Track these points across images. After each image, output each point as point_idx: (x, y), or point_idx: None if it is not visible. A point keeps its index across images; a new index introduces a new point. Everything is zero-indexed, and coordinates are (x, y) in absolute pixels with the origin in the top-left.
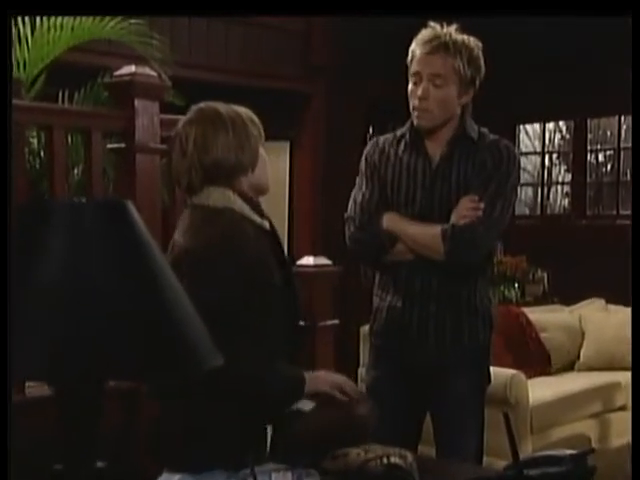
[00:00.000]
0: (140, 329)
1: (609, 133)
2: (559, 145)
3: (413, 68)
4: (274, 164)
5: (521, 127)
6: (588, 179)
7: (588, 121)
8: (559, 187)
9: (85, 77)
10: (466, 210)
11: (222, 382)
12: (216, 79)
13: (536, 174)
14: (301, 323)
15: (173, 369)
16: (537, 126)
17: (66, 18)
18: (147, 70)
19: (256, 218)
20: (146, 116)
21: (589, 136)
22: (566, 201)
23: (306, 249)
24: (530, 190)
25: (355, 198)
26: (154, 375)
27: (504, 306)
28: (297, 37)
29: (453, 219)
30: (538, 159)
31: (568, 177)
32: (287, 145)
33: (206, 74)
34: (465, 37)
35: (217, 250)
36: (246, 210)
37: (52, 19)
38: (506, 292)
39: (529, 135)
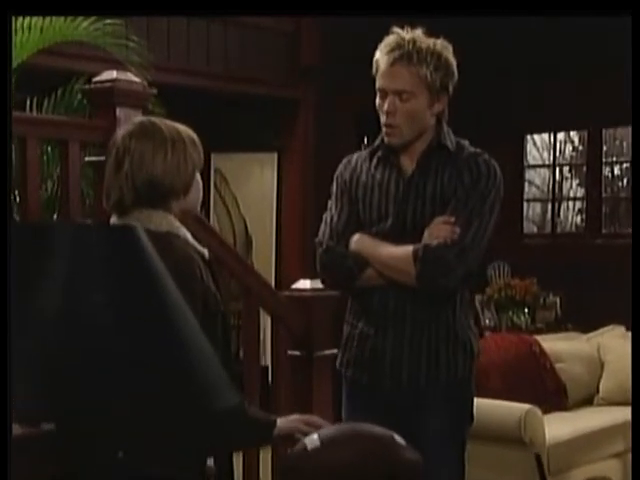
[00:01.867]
0: (150, 366)
1: (626, 144)
2: (571, 157)
3: (378, 83)
4: (260, 177)
5: (529, 137)
6: (603, 194)
7: (603, 131)
8: (571, 203)
9: (56, 82)
10: (440, 230)
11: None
12: (197, 84)
13: (545, 189)
14: (296, 353)
15: (186, 409)
16: (546, 136)
17: (35, 19)
18: (129, 76)
19: (198, 246)
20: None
21: (604, 147)
22: (579, 218)
23: (295, 270)
24: (538, 206)
25: (325, 221)
26: (165, 415)
27: (514, 334)
28: (284, 38)
29: (426, 239)
30: (547, 172)
31: (581, 192)
32: (274, 156)
33: (186, 79)
34: (431, 42)
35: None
36: (189, 237)
37: (20, 20)
38: (515, 318)
39: (537, 146)
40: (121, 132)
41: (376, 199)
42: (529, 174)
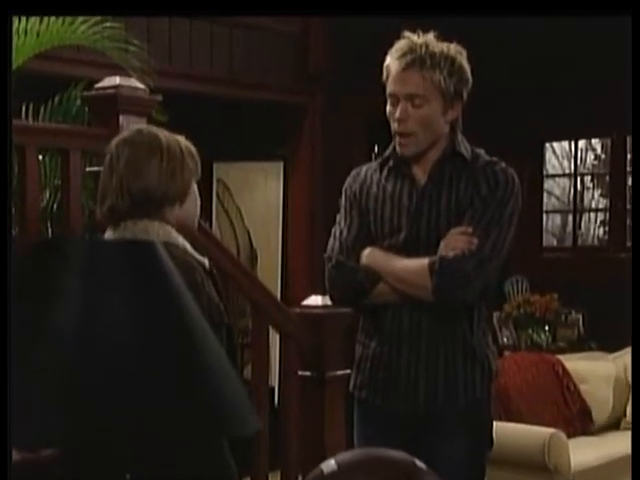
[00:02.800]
0: (170, 391)
1: None
2: (593, 166)
3: (389, 88)
4: (265, 187)
5: (548, 145)
6: (628, 205)
7: (627, 138)
8: (593, 214)
9: (53, 88)
10: (456, 241)
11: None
12: (199, 90)
13: (566, 199)
14: (307, 373)
15: (208, 434)
16: (566, 144)
17: (31, 22)
18: (133, 82)
19: (197, 255)
20: None
21: (628, 155)
22: (601, 230)
23: (303, 285)
24: (558, 218)
25: (334, 234)
26: (184, 438)
27: (535, 353)
28: (291, 41)
29: (442, 251)
30: (568, 182)
31: (604, 203)
32: (280, 166)
33: (188, 84)
34: (445, 46)
35: None
36: (188, 247)
37: (16, 24)
38: (535, 336)
39: (557, 154)
40: (116, 139)
41: (388, 211)
42: (548, 184)
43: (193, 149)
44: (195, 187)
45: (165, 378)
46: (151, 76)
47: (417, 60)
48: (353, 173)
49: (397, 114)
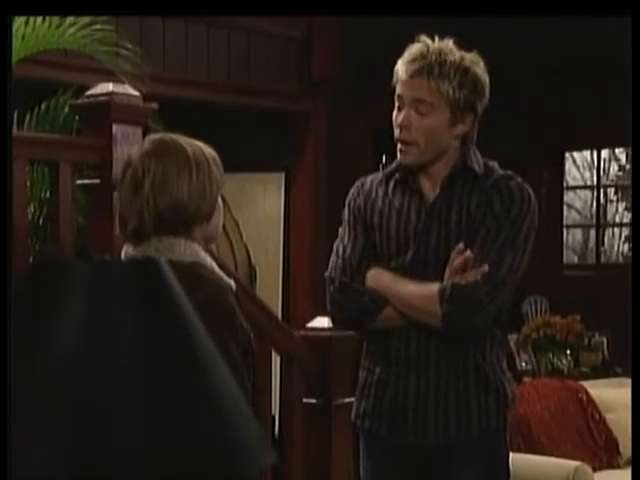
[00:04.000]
0: (178, 422)
1: None
2: (617, 177)
3: (397, 91)
4: (264, 200)
5: (568, 155)
6: None
7: None
8: (617, 229)
9: (39, 95)
10: (462, 263)
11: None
12: (196, 96)
13: (588, 213)
14: (312, 400)
15: (218, 470)
16: (588, 154)
17: (16, 25)
18: (127, 88)
19: (225, 277)
20: (126, 145)
21: None
22: (626, 246)
23: (305, 305)
24: (580, 233)
25: (336, 252)
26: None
27: (557, 379)
28: (293, 45)
29: (449, 276)
30: (590, 194)
31: (628, 217)
32: (281, 177)
33: (183, 90)
34: (459, 55)
35: (208, 323)
36: (215, 267)
37: None
38: (556, 361)
39: (578, 165)
40: (137, 151)
41: (394, 229)
42: (569, 196)
43: (217, 157)
44: (220, 200)
45: (169, 410)
46: (144, 82)
47: (425, 68)
48: (357, 184)
49: (400, 119)
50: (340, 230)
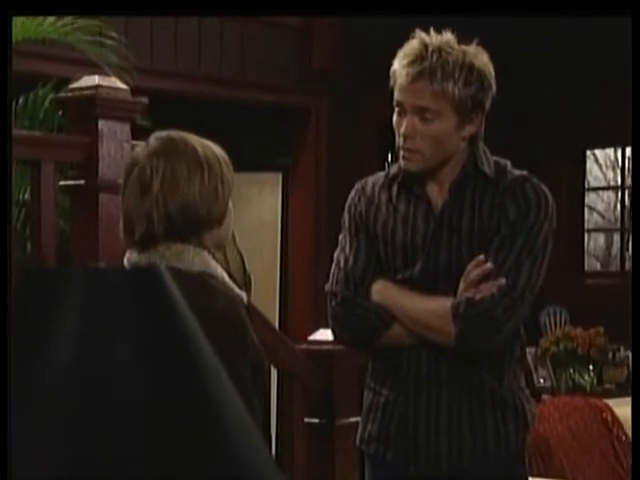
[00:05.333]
0: (181, 447)
1: None
2: None
3: (395, 96)
4: (260, 202)
5: (589, 153)
6: None
7: None
8: None
9: (17, 89)
10: (480, 276)
11: None
12: (186, 89)
13: (611, 216)
14: (315, 420)
15: None
16: (611, 152)
17: None
18: (114, 81)
19: (235, 288)
20: (113, 143)
21: None
22: None
23: (305, 316)
24: (602, 238)
25: (337, 263)
26: None
27: (579, 397)
28: (292, 35)
29: (463, 290)
30: (613, 196)
31: None
32: (278, 177)
33: (172, 83)
34: (460, 51)
35: (217, 338)
36: (226, 277)
37: None
38: (577, 377)
39: (600, 164)
40: (143, 149)
41: (400, 238)
42: (590, 198)
43: (227, 157)
44: (231, 204)
45: (171, 434)
46: (130, 74)
47: (427, 71)
48: (357, 187)
49: (403, 129)
50: (340, 238)
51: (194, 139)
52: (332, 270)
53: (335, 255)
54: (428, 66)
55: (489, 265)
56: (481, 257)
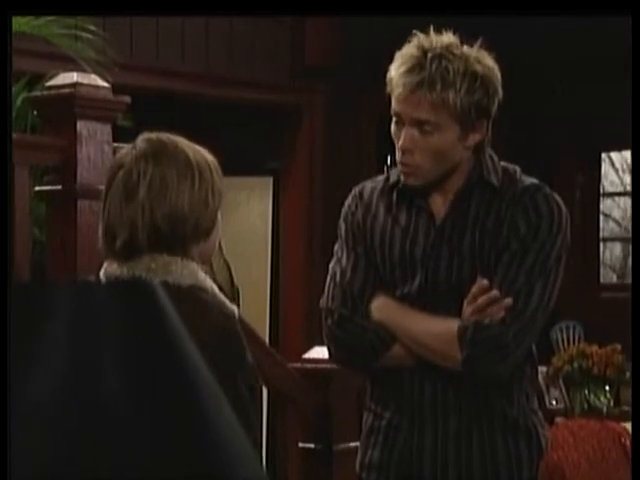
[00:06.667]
0: (171, 454)
1: None
2: None
3: (393, 106)
4: (248, 209)
5: (604, 156)
6: None
7: None
8: None
9: None
10: (487, 303)
11: None
12: (168, 87)
13: (628, 224)
14: (311, 445)
15: None
16: (628, 154)
17: None
18: (94, 79)
19: (227, 302)
20: (93, 145)
21: None
22: None
23: (297, 332)
24: (618, 247)
25: (333, 276)
26: None
27: (596, 420)
28: (284, 29)
29: (470, 315)
30: (630, 202)
31: None
32: (268, 182)
33: (154, 80)
34: (463, 55)
35: (214, 357)
36: (217, 290)
37: None
38: (593, 399)
39: (617, 167)
40: (130, 151)
41: (397, 251)
42: (606, 204)
43: (217, 164)
44: (220, 215)
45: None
46: (109, 69)
47: (425, 81)
48: (354, 193)
49: (401, 142)
50: (336, 248)
51: (185, 143)
52: (327, 284)
53: (330, 267)
54: (427, 76)
55: (495, 292)
56: (485, 282)
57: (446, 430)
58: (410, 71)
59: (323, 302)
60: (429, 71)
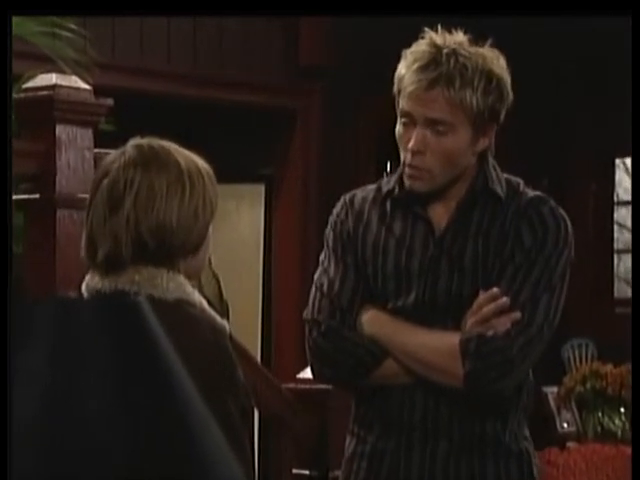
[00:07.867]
0: (155, 472)
1: None
2: None
3: (402, 105)
4: (238, 218)
5: (619, 162)
6: None
7: None
8: None
9: None
10: (494, 311)
11: None
12: (153, 88)
13: None
14: (305, 472)
15: None
16: None
17: None
18: (74, 81)
19: (217, 317)
20: (73, 151)
21: None
22: None
23: (291, 350)
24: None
25: (320, 287)
26: None
27: (610, 445)
28: (278, 29)
29: (473, 325)
30: None
31: None
32: (260, 189)
33: (138, 81)
34: (478, 55)
35: (203, 376)
36: (205, 305)
37: None
38: (607, 421)
39: (632, 174)
40: (118, 158)
41: (391, 263)
42: (620, 214)
43: (211, 172)
44: (211, 229)
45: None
46: (91, 71)
47: (443, 77)
48: (344, 200)
49: (412, 143)
50: (322, 258)
51: (177, 150)
52: (312, 295)
53: (316, 277)
54: (445, 72)
55: (505, 299)
56: (496, 289)
57: (434, 456)
58: (425, 67)
59: (308, 314)
60: (446, 67)
